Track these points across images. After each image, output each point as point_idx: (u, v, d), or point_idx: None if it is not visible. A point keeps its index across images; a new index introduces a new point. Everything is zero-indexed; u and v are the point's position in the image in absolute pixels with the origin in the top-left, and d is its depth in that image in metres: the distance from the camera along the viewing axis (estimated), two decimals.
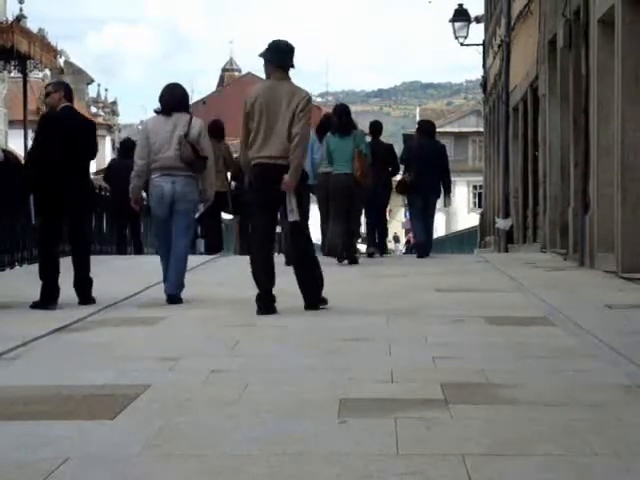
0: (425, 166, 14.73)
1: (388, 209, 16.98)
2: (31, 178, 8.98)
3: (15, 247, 13.22)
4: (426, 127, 15.75)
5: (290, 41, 8.59)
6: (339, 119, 13.44)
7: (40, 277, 8.87)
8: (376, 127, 15.40)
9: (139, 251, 17.00)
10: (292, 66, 8.55)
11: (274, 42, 8.58)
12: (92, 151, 9.13)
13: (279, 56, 8.50)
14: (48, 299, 8.72)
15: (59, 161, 8.79)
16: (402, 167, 15.54)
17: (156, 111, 9.48)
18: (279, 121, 8.30)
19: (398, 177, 15.79)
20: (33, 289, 9.79)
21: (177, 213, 9.33)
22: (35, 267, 9.76)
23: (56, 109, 9.09)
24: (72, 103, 9.26)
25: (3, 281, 11.32)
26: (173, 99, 9.37)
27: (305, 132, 8.40)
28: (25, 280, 10.36)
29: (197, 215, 10.01)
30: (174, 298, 9.20)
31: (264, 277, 8.48)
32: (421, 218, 15.30)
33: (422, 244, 15.54)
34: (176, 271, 9.31)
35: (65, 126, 8.89)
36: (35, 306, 8.68)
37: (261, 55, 8.60)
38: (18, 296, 9.34)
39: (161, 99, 9.43)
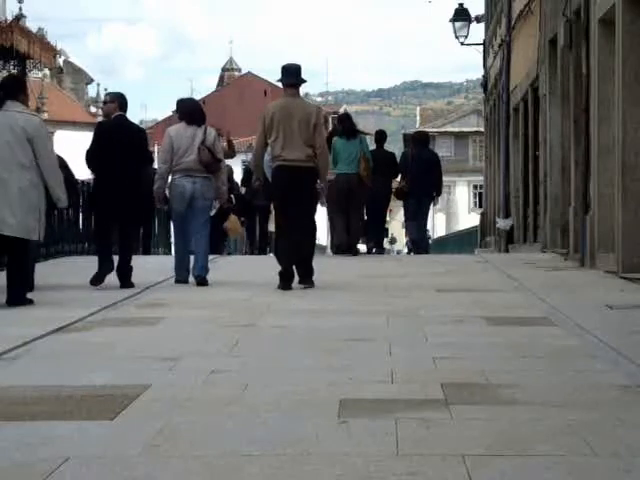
0: (419, 173, 16.37)
1: (389, 209, 18.34)
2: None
3: None
4: (421, 137, 17.85)
5: (294, 59, 9.72)
6: (343, 126, 15.18)
7: (99, 262, 10.21)
8: (380, 136, 16.99)
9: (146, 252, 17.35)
10: (303, 81, 10.24)
11: (283, 66, 10.24)
12: (144, 155, 10.47)
13: (287, 77, 10.17)
14: (96, 281, 10.11)
15: (112, 163, 10.02)
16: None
17: (180, 118, 10.85)
18: (295, 132, 9.97)
19: (397, 182, 17.50)
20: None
21: (196, 210, 10.65)
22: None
23: (110, 117, 10.38)
24: (125, 112, 10.45)
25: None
26: (193, 111, 10.83)
27: (323, 142, 10.33)
28: None
29: (213, 212, 11.12)
30: (203, 279, 10.51)
31: (286, 259, 9.95)
32: (415, 219, 17.14)
33: (417, 242, 17.65)
34: (201, 258, 10.64)
35: (118, 133, 10.14)
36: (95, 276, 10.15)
37: (279, 80, 10.28)
38: None
39: (180, 111, 10.94)
